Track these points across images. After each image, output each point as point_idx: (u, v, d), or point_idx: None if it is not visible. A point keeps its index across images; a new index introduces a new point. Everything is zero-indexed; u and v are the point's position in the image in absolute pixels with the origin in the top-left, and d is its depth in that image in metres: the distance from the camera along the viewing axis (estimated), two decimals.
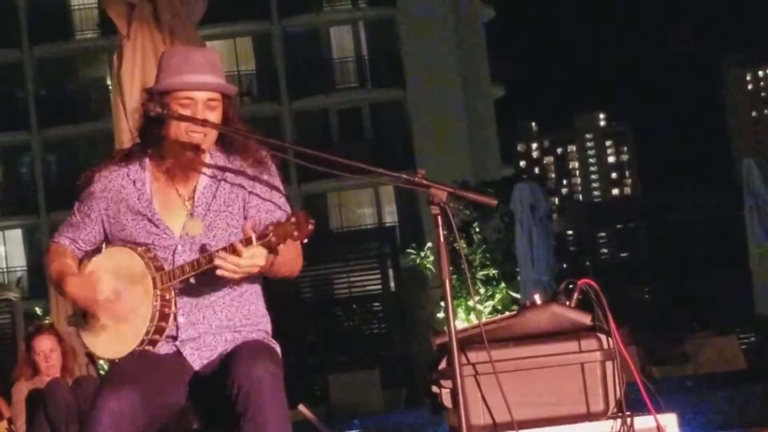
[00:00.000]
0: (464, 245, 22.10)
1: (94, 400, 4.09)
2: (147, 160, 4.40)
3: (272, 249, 4.08)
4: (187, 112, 4.28)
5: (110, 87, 9.30)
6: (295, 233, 4.03)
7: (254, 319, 4.40)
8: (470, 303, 19.66)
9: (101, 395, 4.08)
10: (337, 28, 42.78)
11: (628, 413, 4.89)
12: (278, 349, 4.38)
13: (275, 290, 4.43)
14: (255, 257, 4.08)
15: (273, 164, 4.44)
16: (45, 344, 8.99)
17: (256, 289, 4.43)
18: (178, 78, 4.31)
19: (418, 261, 22.79)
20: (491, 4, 46.13)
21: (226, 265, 4.09)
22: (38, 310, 26.86)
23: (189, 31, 8.51)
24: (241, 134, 4.39)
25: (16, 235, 42.65)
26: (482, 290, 21.82)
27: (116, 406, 4.02)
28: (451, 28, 41.64)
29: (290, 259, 4.29)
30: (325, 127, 42.22)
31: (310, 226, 4.04)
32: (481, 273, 21.89)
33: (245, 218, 4.31)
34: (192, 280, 4.27)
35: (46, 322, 10.96)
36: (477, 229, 22.47)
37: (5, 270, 41.68)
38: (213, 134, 4.35)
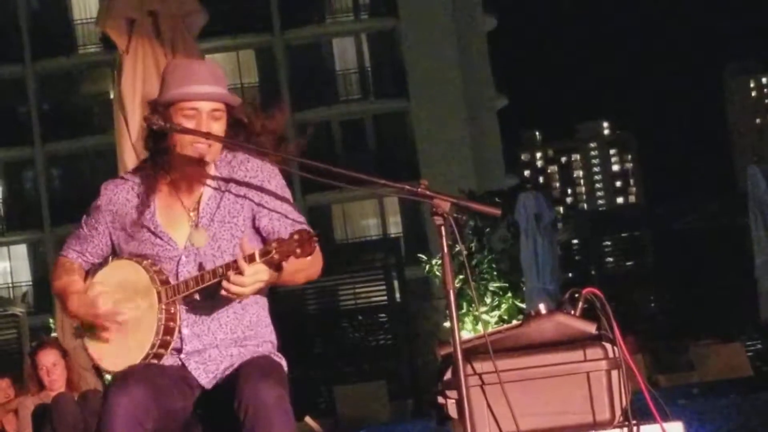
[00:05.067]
0: (476, 252, 22.15)
1: (104, 401, 4.08)
2: (152, 173, 4.40)
3: (275, 266, 4.09)
4: (191, 123, 4.28)
5: (113, 101, 9.27)
6: (298, 251, 4.03)
7: (258, 330, 4.39)
8: (477, 313, 19.66)
9: (111, 394, 4.07)
10: (340, 39, 42.82)
11: (634, 422, 4.89)
12: (284, 363, 4.38)
13: (280, 302, 4.43)
14: (258, 273, 4.08)
15: (278, 171, 4.44)
16: (47, 358, 9.00)
17: (259, 299, 4.42)
18: (182, 89, 4.31)
19: (428, 268, 22.77)
20: (493, 13, 46.19)
21: (233, 288, 4.09)
22: (51, 323, 26.82)
23: (189, 44, 8.51)
24: (244, 146, 4.39)
25: (21, 250, 42.69)
26: (488, 300, 21.82)
27: (128, 401, 4.02)
28: (453, 38, 41.66)
29: (303, 267, 4.25)
30: (329, 139, 42.22)
31: (314, 244, 4.05)
32: (493, 285, 21.90)
33: (256, 229, 4.33)
34: (197, 294, 4.27)
35: (54, 336, 10.98)
36: (487, 238, 22.50)
37: (11, 285, 41.70)
38: (217, 145, 4.35)
